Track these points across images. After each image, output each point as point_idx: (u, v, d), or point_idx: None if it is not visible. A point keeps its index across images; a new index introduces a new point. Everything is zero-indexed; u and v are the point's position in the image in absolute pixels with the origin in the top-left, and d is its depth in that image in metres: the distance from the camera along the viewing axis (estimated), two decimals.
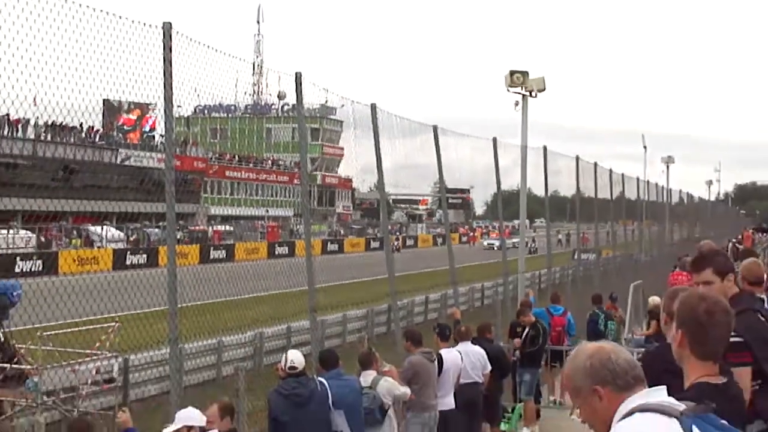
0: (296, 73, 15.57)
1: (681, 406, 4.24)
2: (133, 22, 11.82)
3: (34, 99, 11.87)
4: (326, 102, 77.60)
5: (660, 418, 4.14)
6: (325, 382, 12.76)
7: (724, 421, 4.29)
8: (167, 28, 11.76)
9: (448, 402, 16.53)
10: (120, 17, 11.73)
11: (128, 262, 61.55)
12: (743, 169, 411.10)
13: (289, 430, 12.11)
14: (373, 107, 19.00)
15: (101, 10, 11.47)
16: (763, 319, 7.64)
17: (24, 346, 18.90)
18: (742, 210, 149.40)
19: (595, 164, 37.05)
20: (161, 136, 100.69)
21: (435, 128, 22.64)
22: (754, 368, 6.93)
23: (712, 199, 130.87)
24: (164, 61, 11.74)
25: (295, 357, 12.75)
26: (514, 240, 36.99)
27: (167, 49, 11.71)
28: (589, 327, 24.19)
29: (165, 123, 12.32)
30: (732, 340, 6.08)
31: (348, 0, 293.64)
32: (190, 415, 10.14)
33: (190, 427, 9.96)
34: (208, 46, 13.56)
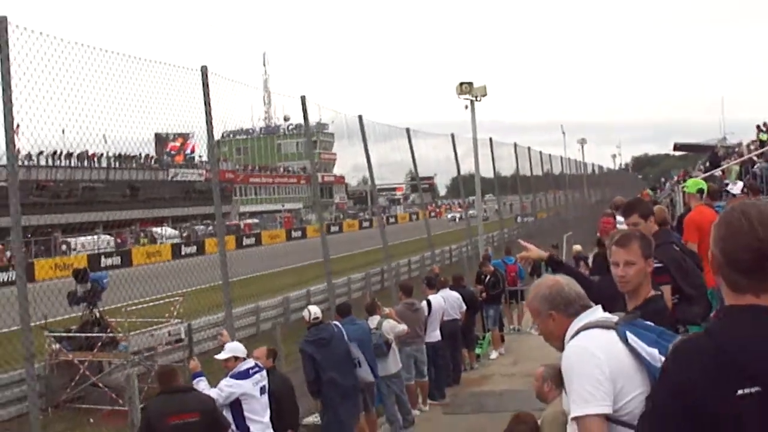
0: (302, 97, 15.51)
1: (615, 318, 4.30)
2: (177, 67, 11.69)
3: (104, 137, 11.86)
4: (320, 119, 77.32)
5: (600, 332, 4.16)
6: (339, 325, 12.88)
7: (649, 323, 4.30)
8: (204, 71, 11.63)
9: (436, 335, 16.79)
10: (166, 64, 11.60)
11: (183, 253, 61.48)
12: (638, 144, 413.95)
13: (322, 365, 12.28)
14: (360, 118, 18.95)
15: (152, 60, 11.36)
16: (677, 249, 7.71)
17: (114, 319, 19.03)
18: (639, 175, 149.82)
19: (528, 148, 37.42)
20: (200, 156, 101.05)
21: (408, 130, 22.70)
22: (672, 286, 6.98)
23: (617, 169, 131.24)
24: (204, 95, 11.62)
25: (316, 310, 12.91)
26: (471, 212, 36.98)
27: (205, 85, 11.60)
28: (534, 270, 24.32)
29: (208, 143, 12.18)
30: (656, 265, 6.13)
31: (331, 33, 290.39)
32: (238, 347, 10.20)
33: (237, 357, 10.01)
34: (238, 82, 13.47)
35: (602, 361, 3.99)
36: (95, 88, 10.58)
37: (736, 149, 37.65)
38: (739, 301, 2.81)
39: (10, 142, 8.13)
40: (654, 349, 4.06)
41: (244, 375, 9.95)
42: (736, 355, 2.73)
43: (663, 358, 3.91)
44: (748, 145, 33.60)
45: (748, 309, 2.79)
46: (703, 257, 8.32)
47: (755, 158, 24.86)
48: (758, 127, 32.35)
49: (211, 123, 11.65)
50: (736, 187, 12.48)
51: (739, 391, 2.69)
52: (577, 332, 4.23)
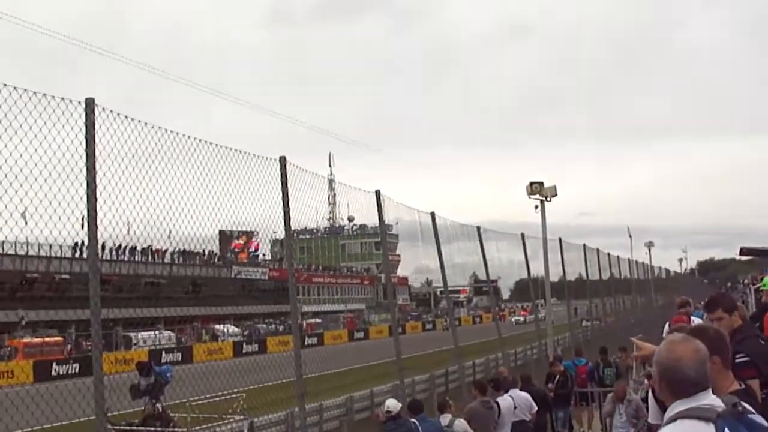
0: (376, 191, 15.48)
1: (720, 408, 4.02)
2: (254, 155, 11.57)
3: (169, 234, 11.91)
4: (385, 221, 77.91)
5: (697, 424, 3.92)
6: (417, 423, 12.73)
7: (758, 419, 4.07)
8: (283, 161, 11.60)
9: None
10: (243, 152, 11.47)
11: (244, 351, 61.79)
12: (703, 249, 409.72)
13: None
14: (433, 215, 18.95)
15: (229, 147, 11.25)
16: (763, 342, 7.51)
17: (176, 414, 19.02)
18: (705, 280, 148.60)
19: (597, 250, 37.27)
20: (263, 255, 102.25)
21: (478, 229, 22.69)
22: (760, 381, 6.77)
23: (683, 273, 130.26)
24: (282, 185, 11.59)
25: (391, 403, 12.83)
26: (533, 316, 36.86)
27: (283, 175, 11.58)
28: (593, 372, 24.11)
29: (285, 236, 12.13)
30: (742, 360, 5.95)
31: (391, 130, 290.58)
32: None
33: None
34: (317, 174, 13.46)
35: None
36: (167, 178, 10.54)
37: None
38: None
39: (92, 223, 8.13)
40: None
41: None
42: None
43: None
44: None
45: None
46: None
47: None
48: None
49: (288, 214, 11.57)
50: None
51: None
52: (675, 418, 4.03)
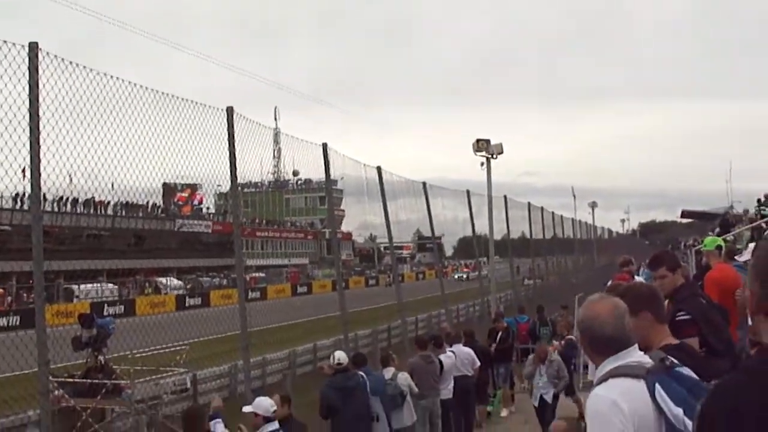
0: (323, 144, 15.39)
1: (648, 363, 4.09)
2: (200, 105, 11.42)
3: (112, 185, 11.76)
4: (331, 175, 77.67)
5: (629, 382, 3.99)
6: (364, 376, 12.77)
7: (686, 371, 4.14)
8: (230, 111, 11.48)
9: (447, 393, 16.62)
10: (190, 101, 11.32)
11: (187, 304, 61.60)
12: (645, 211, 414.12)
13: (342, 414, 12.18)
14: (379, 169, 18.88)
15: (177, 96, 11.09)
16: (704, 301, 7.57)
17: (118, 367, 18.84)
18: (647, 241, 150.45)
19: (542, 208, 37.51)
20: (207, 208, 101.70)
21: (424, 184, 22.68)
22: (700, 340, 6.83)
23: (625, 233, 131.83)
24: (229, 136, 11.47)
25: (341, 355, 12.85)
26: (476, 273, 37.09)
27: (230, 126, 11.46)
28: (530, 330, 24.43)
29: (231, 186, 12.05)
30: (683, 318, 6.00)
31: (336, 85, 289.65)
32: (261, 404, 10.07)
33: (256, 414, 9.90)
34: (265, 126, 13.34)
35: (626, 417, 3.86)
36: (111, 127, 10.39)
37: (743, 217, 37.77)
38: None
39: (35, 170, 7.99)
40: (680, 409, 3.89)
41: None
42: None
43: (687, 420, 3.79)
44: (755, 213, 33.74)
45: None
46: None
47: (764, 225, 25.00)
48: (759, 201, 32.62)
49: (235, 165, 11.50)
50: (748, 252, 12.33)
51: None
52: (606, 377, 4.07)
